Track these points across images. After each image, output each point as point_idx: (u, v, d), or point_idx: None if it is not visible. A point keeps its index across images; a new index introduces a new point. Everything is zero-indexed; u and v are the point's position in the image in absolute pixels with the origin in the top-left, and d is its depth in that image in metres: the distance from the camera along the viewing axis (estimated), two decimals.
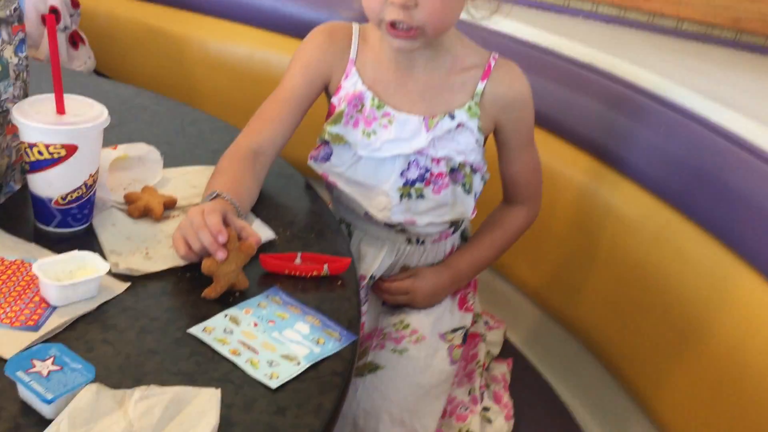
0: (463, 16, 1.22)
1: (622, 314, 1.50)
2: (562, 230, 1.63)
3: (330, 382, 0.88)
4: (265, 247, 1.11)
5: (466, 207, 1.28)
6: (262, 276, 1.05)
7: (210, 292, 0.97)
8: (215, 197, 1.09)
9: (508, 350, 1.61)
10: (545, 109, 1.48)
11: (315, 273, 1.06)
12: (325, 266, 1.06)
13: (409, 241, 1.34)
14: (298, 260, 1.08)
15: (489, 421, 1.38)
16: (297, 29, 1.94)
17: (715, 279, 1.30)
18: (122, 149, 1.23)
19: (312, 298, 1.02)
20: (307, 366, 0.89)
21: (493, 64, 1.25)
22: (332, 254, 1.11)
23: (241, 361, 0.88)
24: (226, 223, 1.02)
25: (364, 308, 1.37)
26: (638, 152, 1.48)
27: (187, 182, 1.24)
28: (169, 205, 1.16)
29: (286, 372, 0.88)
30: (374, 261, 1.34)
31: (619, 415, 1.52)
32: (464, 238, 1.42)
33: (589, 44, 1.67)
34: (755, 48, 1.92)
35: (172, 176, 1.24)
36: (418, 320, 1.33)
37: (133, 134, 1.34)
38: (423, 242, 1.34)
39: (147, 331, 0.91)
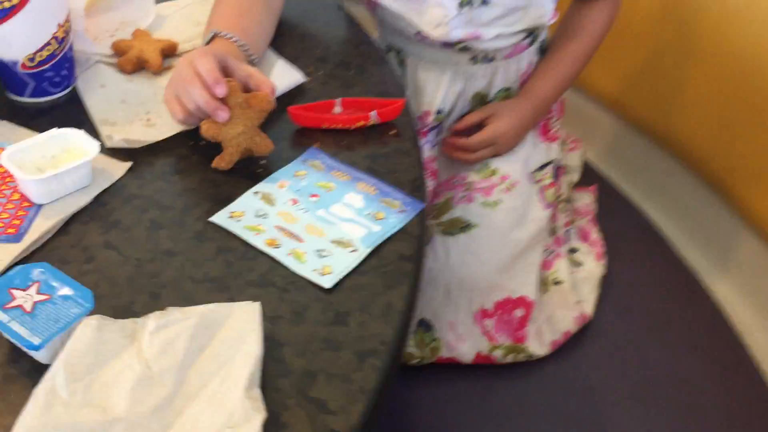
0: None
1: (728, 119, 1.25)
2: (647, 22, 1.35)
3: (398, 271, 0.68)
4: (295, 95, 0.88)
5: (543, 10, 1.01)
6: (295, 134, 0.83)
7: (219, 162, 0.76)
8: (213, 38, 0.85)
9: (589, 175, 1.39)
10: None
11: (361, 123, 0.84)
12: (373, 113, 0.83)
13: (474, 59, 1.08)
14: (337, 108, 0.85)
15: (578, 264, 1.19)
16: None
17: None
18: None
19: (361, 158, 0.80)
20: (368, 252, 0.69)
21: None
22: (380, 95, 0.88)
23: (281, 255, 0.68)
24: (227, 72, 0.78)
25: (433, 152, 1.15)
26: None
27: (188, 18, 0.99)
28: (169, 51, 0.92)
29: (342, 263, 0.68)
30: (436, 91, 1.10)
31: (725, 238, 1.32)
32: (542, 51, 1.16)
33: None
34: None
35: (169, 12, 0.99)
36: (508, 163, 1.11)
37: None
38: (492, 59, 1.09)
39: (159, 225, 0.71)
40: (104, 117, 0.83)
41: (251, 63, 0.86)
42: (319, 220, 0.72)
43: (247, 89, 0.78)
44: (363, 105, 0.85)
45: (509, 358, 1.07)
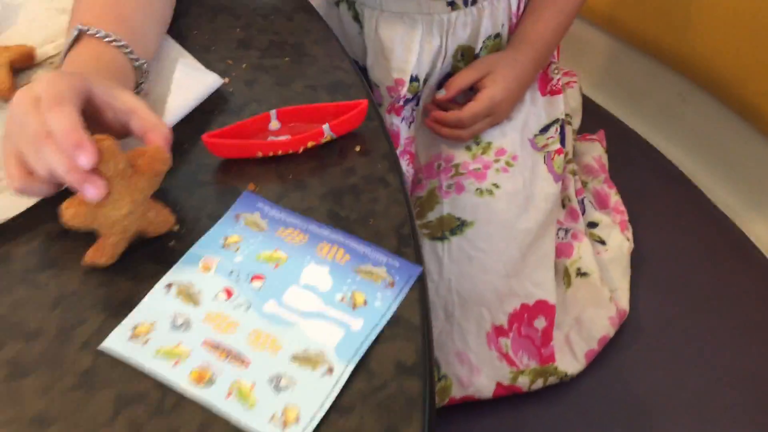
0: None
1: (757, 35, 1.00)
2: None
3: (400, 396, 0.45)
4: (210, 108, 0.61)
5: None
6: (216, 171, 0.57)
7: (96, 255, 0.50)
8: (78, 38, 0.57)
9: (591, 115, 1.14)
10: None
11: (311, 143, 0.58)
12: (326, 127, 0.57)
13: (452, 4, 0.81)
14: (274, 123, 0.59)
15: (602, 242, 0.96)
16: None
17: None
18: None
19: (318, 199, 0.55)
20: (350, 371, 0.45)
21: None
22: (331, 90, 0.62)
23: (218, 397, 0.44)
24: (95, 108, 0.51)
25: (411, 132, 0.90)
26: None
27: (50, 5, 0.71)
28: (22, 62, 0.64)
29: (312, 399, 0.44)
30: (407, 52, 0.83)
31: (761, 178, 1.09)
32: None
33: None
34: None
35: (21, 2, 0.71)
36: (502, 133, 0.87)
37: None
38: (475, 1, 0.82)
39: (22, 372, 0.46)
40: None
41: (139, 71, 0.59)
42: (269, 322, 0.48)
43: (127, 132, 0.52)
44: (309, 114, 0.59)
45: (538, 384, 0.85)
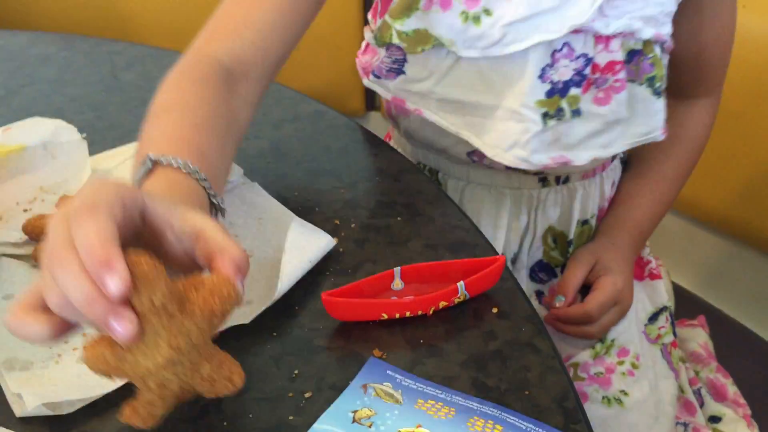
0: None
1: None
2: (751, 115, 1.05)
3: None
4: (321, 269, 0.55)
5: (653, 122, 0.69)
6: (334, 334, 0.50)
7: (130, 415, 0.39)
8: (151, 170, 0.48)
9: (685, 303, 1.06)
10: None
11: (442, 304, 0.51)
12: (460, 284, 0.50)
13: (544, 181, 0.77)
14: (397, 283, 0.52)
15: None
16: None
17: None
18: (14, 134, 0.66)
19: (458, 367, 0.47)
20: None
21: None
22: (452, 249, 0.55)
23: None
24: (151, 228, 0.41)
25: None
26: None
27: (117, 170, 0.67)
28: None
29: None
30: (495, 228, 0.77)
31: None
32: (623, 163, 0.85)
33: None
34: None
35: (109, 167, 0.67)
36: (621, 327, 0.78)
37: (29, 106, 0.76)
38: (567, 180, 0.77)
39: None
40: (11, 356, 0.48)
41: (214, 209, 0.51)
42: None
43: (193, 265, 0.42)
44: (437, 272, 0.52)
45: None
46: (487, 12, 0.64)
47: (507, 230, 0.77)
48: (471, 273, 0.51)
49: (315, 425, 0.42)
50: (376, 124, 1.15)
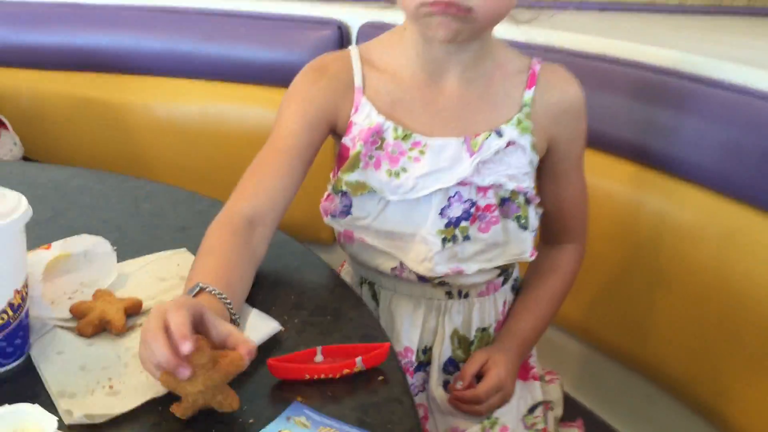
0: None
1: (703, 341, 1.23)
2: (607, 252, 1.36)
3: None
4: (271, 346, 0.82)
5: (523, 247, 1.01)
6: (274, 387, 0.76)
7: (176, 409, 0.71)
8: (198, 292, 0.80)
9: (568, 407, 1.32)
10: None
11: (346, 371, 0.78)
12: (358, 360, 0.78)
13: (449, 294, 1.06)
14: (318, 357, 0.80)
15: None
16: (254, 75, 1.68)
17: None
18: (59, 247, 0.93)
19: (350, 410, 0.73)
20: None
21: (537, 68, 1.00)
22: (362, 339, 0.83)
23: None
24: (202, 326, 0.73)
25: (421, 399, 1.08)
26: (687, 145, 1.23)
27: (152, 275, 0.95)
28: (133, 310, 0.86)
29: None
30: (412, 327, 1.06)
31: None
32: (515, 291, 1.15)
33: (597, 34, 1.43)
34: None
35: (131, 270, 0.95)
36: (505, 409, 1.05)
37: (72, 225, 1.04)
38: (467, 295, 1.06)
39: None
40: (62, 388, 0.75)
41: (233, 321, 0.80)
42: None
43: (223, 346, 0.73)
44: (345, 351, 0.80)
45: None
46: (404, 170, 0.96)
47: (421, 329, 1.06)
48: (367, 353, 0.79)
49: None
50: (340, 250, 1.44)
